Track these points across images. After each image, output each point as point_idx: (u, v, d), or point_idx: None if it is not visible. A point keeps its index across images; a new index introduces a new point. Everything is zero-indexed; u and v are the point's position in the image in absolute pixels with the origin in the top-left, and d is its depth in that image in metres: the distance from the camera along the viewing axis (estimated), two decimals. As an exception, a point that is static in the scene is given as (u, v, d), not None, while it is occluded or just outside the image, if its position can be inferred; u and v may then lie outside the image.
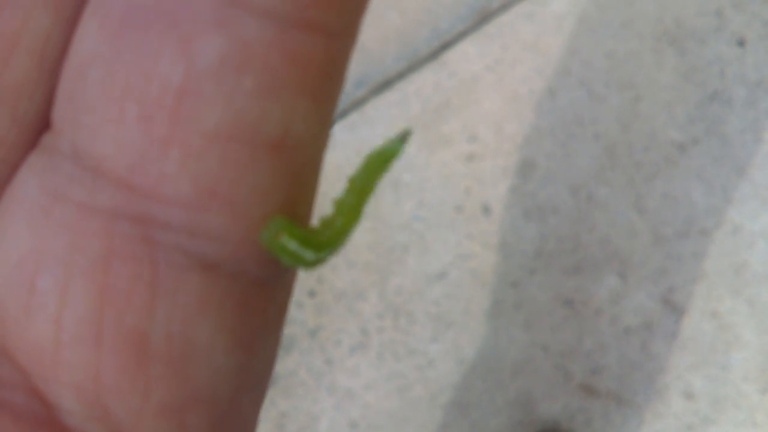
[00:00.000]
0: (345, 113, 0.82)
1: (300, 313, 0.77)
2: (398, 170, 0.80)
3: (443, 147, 0.81)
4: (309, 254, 0.15)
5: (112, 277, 0.14)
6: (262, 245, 0.14)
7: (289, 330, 0.77)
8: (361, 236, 0.79)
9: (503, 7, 0.85)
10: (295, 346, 0.76)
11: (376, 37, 0.84)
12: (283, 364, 0.76)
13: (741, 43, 0.83)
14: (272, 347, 0.16)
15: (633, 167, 0.80)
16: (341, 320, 0.77)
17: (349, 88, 0.83)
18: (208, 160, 0.13)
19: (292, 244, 0.14)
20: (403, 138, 0.16)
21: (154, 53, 0.13)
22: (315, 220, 0.15)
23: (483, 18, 0.85)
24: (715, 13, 0.84)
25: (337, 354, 0.77)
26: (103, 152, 0.14)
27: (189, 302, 0.14)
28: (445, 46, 0.84)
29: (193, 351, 0.14)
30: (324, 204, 0.79)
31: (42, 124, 0.15)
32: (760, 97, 0.82)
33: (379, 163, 0.15)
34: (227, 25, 0.13)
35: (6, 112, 0.15)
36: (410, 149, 0.81)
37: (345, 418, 0.76)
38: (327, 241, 0.15)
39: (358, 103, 0.83)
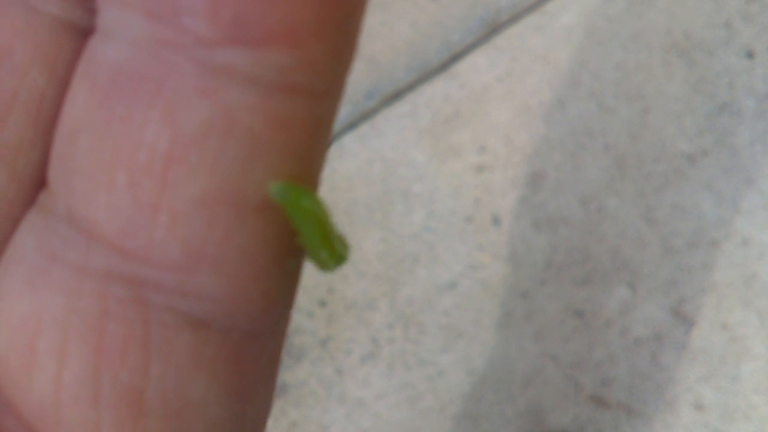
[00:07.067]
0: (355, 124, 0.83)
1: (311, 322, 0.77)
2: (408, 181, 0.80)
3: (453, 158, 0.81)
4: (323, 211, 0.15)
5: (107, 338, 0.14)
6: (275, 198, 0.14)
7: (299, 340, 0.77)
8: (371, 246, 0.79)
9: (513, 20, 0.85)
10: (306, 356, 0.77)
11: (387, 50, 0.85)
12: (294, 374, 0.76)
13: (750, 54, 0.83)
14: (266, 395, 0.16)
15: (642, 178, 0.80)
16: (352, 330, 0.77)
17: (360, 100, 0.83)
18: (196, 224, 0.14)
19: (307, 201, 0.14)
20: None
21: (141, 121, 0.14)
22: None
23: (493, 30, 0.85)
24: (724, 25, 0.84)
25: (347, 364, 0.77)
26: (95, 217, 0.14)
27: (182, 359, 0.14)
28: (456, 57, 0.84)
29: (187, 405, 0.15)
30: (335, 214, 0.79)
31: (39, 181, 0.15)
32: (770, 108, 0.82)
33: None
34: (211, 92, 0.13)
35: (4, 169, 0.15)
36: (420, 159, 0.81)
37: (355, 428, 0.76)
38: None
39: (368, 114, 0.83)
